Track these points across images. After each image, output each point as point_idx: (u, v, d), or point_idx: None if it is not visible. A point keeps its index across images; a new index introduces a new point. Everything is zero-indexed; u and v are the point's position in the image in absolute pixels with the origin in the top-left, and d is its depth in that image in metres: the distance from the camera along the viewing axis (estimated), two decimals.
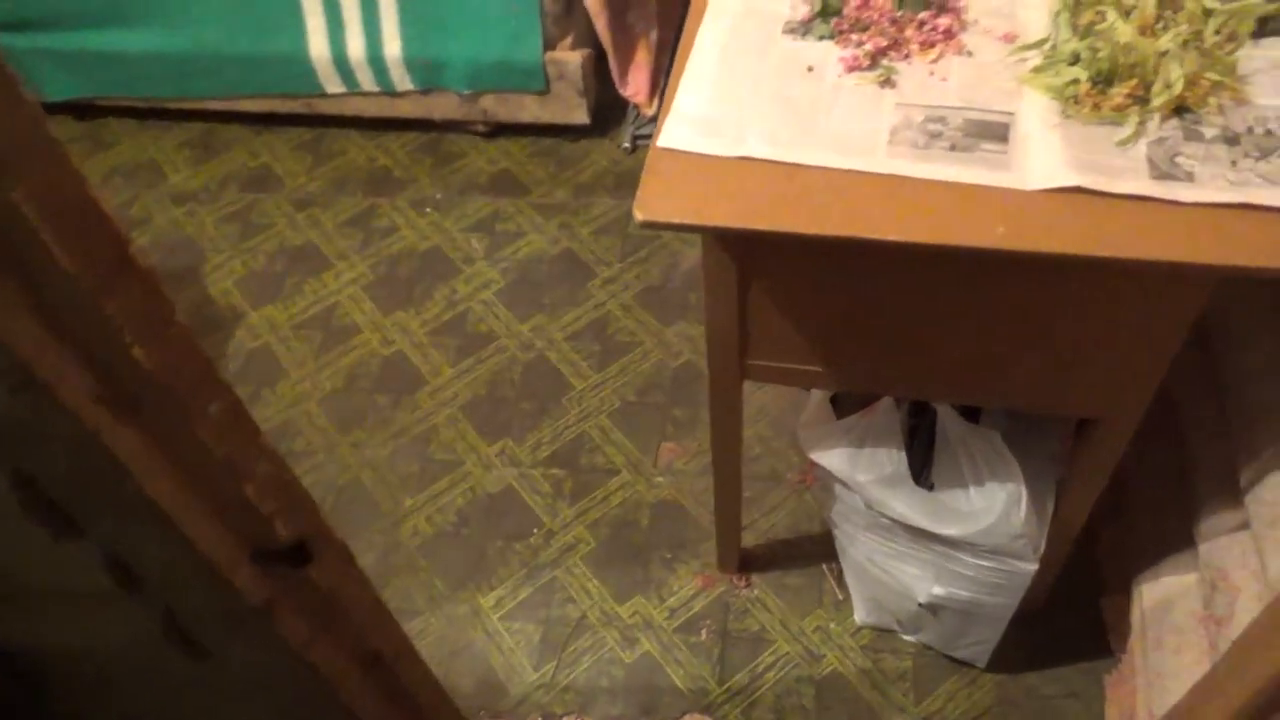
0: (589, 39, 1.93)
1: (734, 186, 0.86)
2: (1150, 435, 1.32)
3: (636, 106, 1.99)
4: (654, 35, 1.93)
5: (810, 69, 0.94)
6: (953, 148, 0.87)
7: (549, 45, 1.88)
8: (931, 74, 0.93)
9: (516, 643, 1.43)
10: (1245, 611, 1.03)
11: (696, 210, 0.86)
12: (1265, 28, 0.90)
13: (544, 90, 1.92)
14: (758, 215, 0.84)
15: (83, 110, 2.15)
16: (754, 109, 0.91)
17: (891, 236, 0.82)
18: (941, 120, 0.89)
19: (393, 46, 1.89)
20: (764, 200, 0.85)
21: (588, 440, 1.62)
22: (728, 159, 0.88)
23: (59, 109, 2.12)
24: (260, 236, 1.96)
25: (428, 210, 1.97)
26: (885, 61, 0.94)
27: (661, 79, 1.94)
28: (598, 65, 1.96)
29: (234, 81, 2.01)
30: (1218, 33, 0.89)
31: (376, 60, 1.91)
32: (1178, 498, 1.22)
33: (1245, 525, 1.07)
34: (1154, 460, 1.31)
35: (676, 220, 0.86)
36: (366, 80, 1.96)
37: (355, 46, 1.90)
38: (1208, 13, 0.90)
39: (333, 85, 1.98)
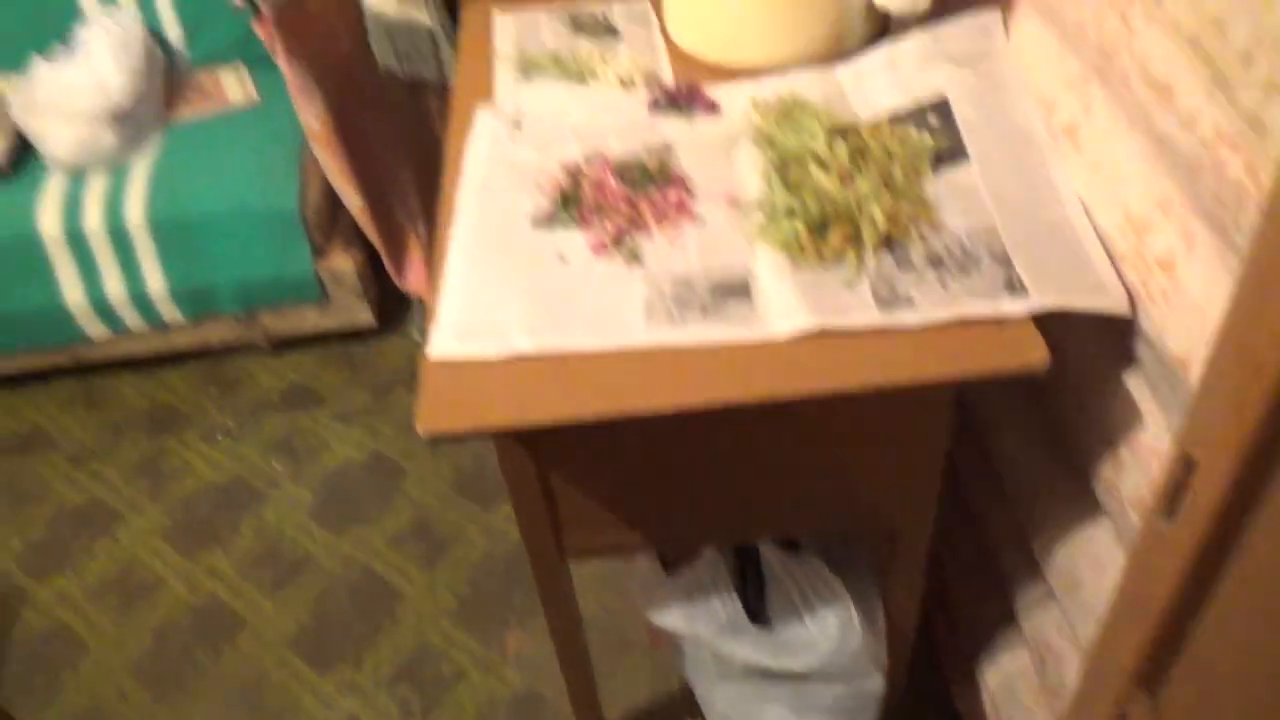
0: (360, 240, 1.96)
1: (507, 384, 0.88)
2: (954, 527, 1.41)
3: (420, 297, 2.01)
4: (422, 228, 1.98)
5: (561, 257, 0.99)
6: (704, 311, 0.92)
7: (319, 254, 1.89)
8: (672, 245, 0.99)
9: None
10: (1075, 676, 1.10)
11: (476, 415, 0.87)
12: (940, 160, 1.03)
13: (322, 299, 1.92)
14: (534, 409, 0.86)
15: None
16: (513, 305, 0.94)
17: (663, 406, 0.86)
18: (689, 287, 0.95)
19: (155, 282, 1.84)
20: (537, 393, 0.87)
21: (430, 647, 1.55)
22: (497, 359, 0.90)
23: None
24: (35, 504, 1.82)
25: (220, 440, 1.89)
26: (629, 240, 1.00)
27: None
28: (374, 263, 1.98)
29: None
30: (903, 170, 1.01)
31: (140, 298, 1.85)
32: (991, 580, 1.29)
33: (1052, 594, 1.15)
34: (963, 549, 1.39)
35: (459, 429, 0.87)
36: (133, 320, 1.89)
37: (115, 288, 1.84)
38: (890, 155, 1.02)
39: (96, 331, 1.90)
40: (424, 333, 1.99)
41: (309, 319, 1.96)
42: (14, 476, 1.87)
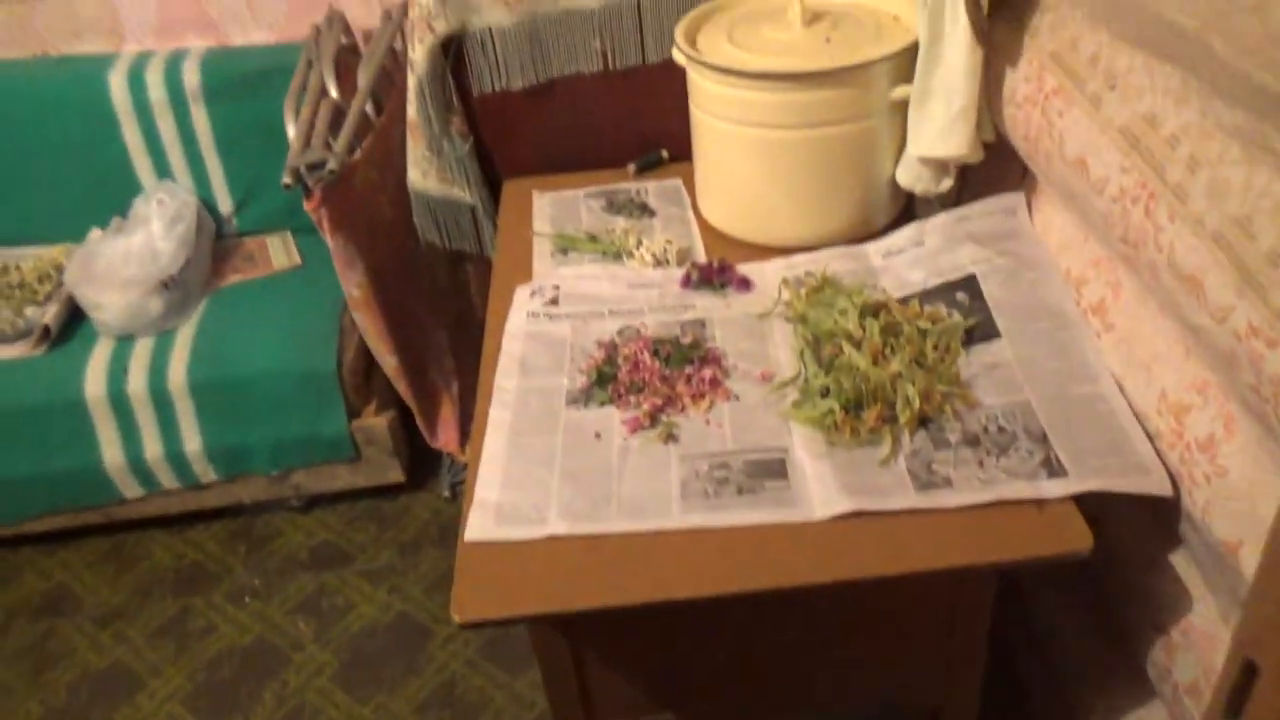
0: (393, 399, 1.99)
1: (544, 569, 0.88)
2: (1000, 701, 1.35)
3: (451, 455, 2.02)
4: (455, 387, 2.01)
5: (597, 435, 1.00)
6: (740, 491, 0.92)
7: (353, 414, 1.91)
8: (708, 422, 1.01)
9: None
10: None
11: (512, 602, 0.86)
12: (972, 336, 1.05)
13: (355, 458, 1.93)
14: (570, 596, 0.86)
15: None
16: (550, 486, 0.95)
17: (701, 592, 0.85)
18: (725, 466, 0.95)
19: (192, 443, 1.87)
20: (574, 579, 0.87)
21: None
22: (534, 541, 0.90)
23: None
24: (58, 668, 1.79)
25: (247, 600, 1.87)
26: (664, 417, 1.01)
27: (470, 424, 2.00)
28: (405, 419, 2.01)
29: (19, 506, 1.90)
30: (935, 348, 1.02)
31: (176, 457, 1.88)
32: None
33: None
34: None
35: (494, 616, 0.86)
36: (167, 479, 1.90)
37: (152, 449, 1.86)
38: (923, 333, 1.03)
39: (131, 490, 1.91)
40: (453, 490, 1.98)
41: (340, 476, 1.97)
42: (39, 639, 1.85)
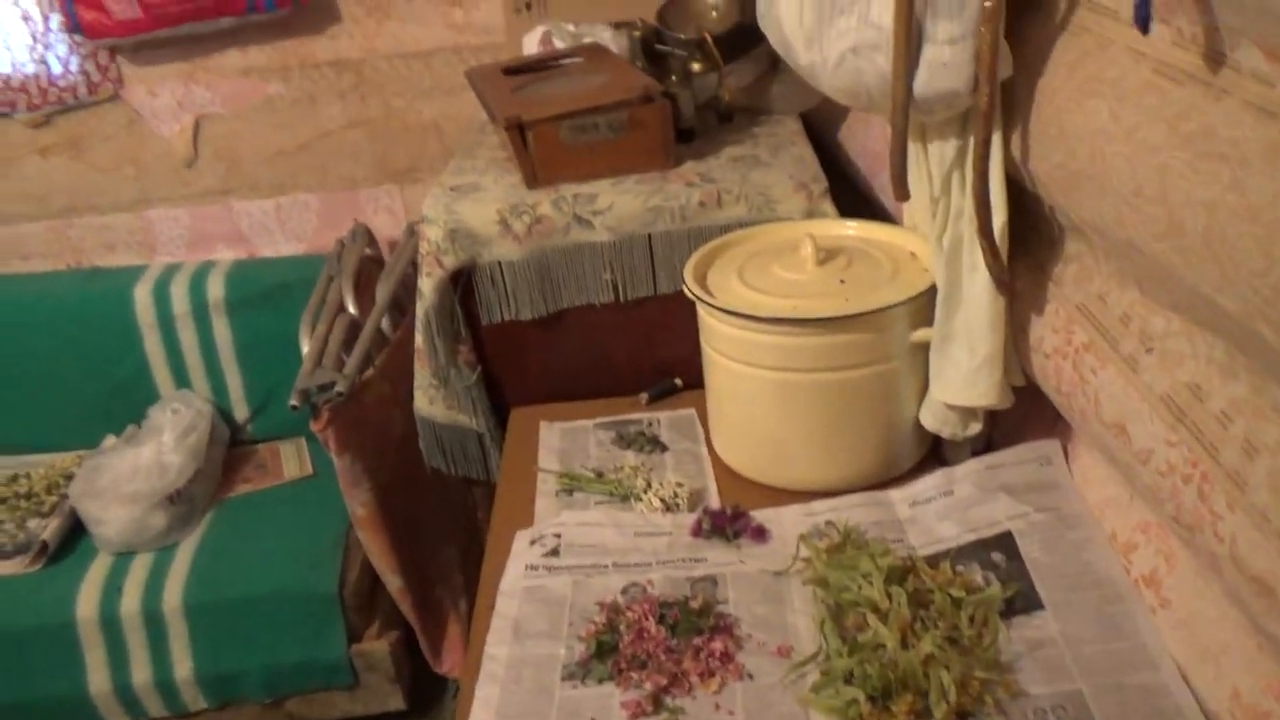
0: (398, 618, 1.88)
1: None
2: None
3: (456, 681, 1.90)
4: (463, 605, 1.91)
5: None
6: None
7: (354, 637, 1.81)
8: (717, 708, 0.90)
9: None
10: None
11: None
12: (1013, 606, 0.94)
13: (353, 684, 1.81)
14: None
15: None
16: None
17: None
18: None
19: (183, 668, 1.76)
20: None
21: None
22: None
23: None
24: None
25: None
26: (669, 701, 0.90)
27: None
28: (409, 641, 1.89)
29: None
30: (971, 621, 0.92)
31: (165, 684, 1.77)
32: None
33: None
34: None
35: None
36: (154, 707, 1.79)
37: (141, 675, 1.76)
38: (956, 603, 0.93)
39: (115, 718, 1.79)
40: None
41: (337, 704, 1.84)
42: None
